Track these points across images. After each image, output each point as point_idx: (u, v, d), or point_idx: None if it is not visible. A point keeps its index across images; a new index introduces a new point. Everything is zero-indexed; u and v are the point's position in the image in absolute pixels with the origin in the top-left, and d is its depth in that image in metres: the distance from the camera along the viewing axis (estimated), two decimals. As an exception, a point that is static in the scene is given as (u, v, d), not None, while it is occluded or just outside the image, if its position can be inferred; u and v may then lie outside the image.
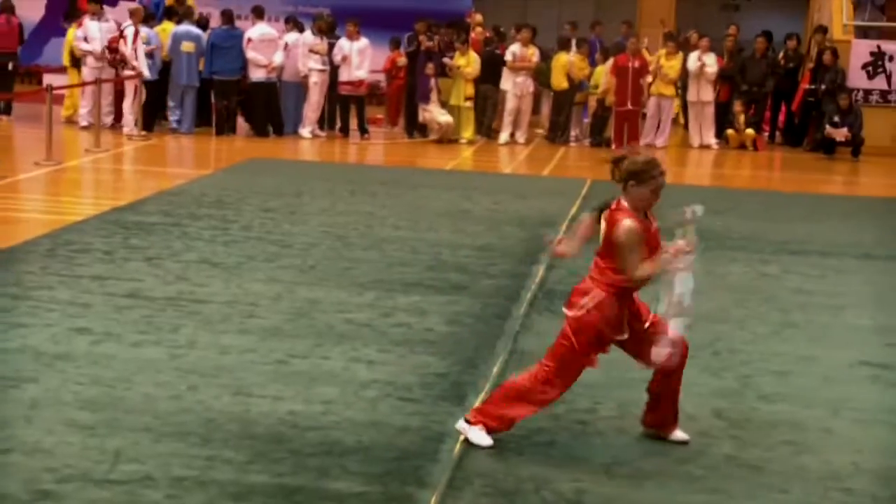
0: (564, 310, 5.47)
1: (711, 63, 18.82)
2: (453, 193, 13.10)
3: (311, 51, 18.05)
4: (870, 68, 18.93)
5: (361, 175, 14.68)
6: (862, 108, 18.36)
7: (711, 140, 19.15)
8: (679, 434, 5.68)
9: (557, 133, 19.06)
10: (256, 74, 17.95)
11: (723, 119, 19.27)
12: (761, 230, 11.33)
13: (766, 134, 20.23)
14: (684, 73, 18.95)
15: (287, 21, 19.00)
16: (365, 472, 5.15)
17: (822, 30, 19.58)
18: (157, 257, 9.16)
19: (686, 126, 20.04)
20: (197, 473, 5.04)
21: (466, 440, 5.50)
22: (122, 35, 17.22)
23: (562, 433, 5.73)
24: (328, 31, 18.34)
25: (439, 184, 13.96)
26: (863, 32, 19.58)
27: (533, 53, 18.73)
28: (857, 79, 18.90)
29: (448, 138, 18.30)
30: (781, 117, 20.27)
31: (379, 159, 17.44)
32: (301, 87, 18.28)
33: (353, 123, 18.60)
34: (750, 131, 18.88)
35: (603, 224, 5.40)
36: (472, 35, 19.28)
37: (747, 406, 6.23)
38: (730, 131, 19.01)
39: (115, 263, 8.91)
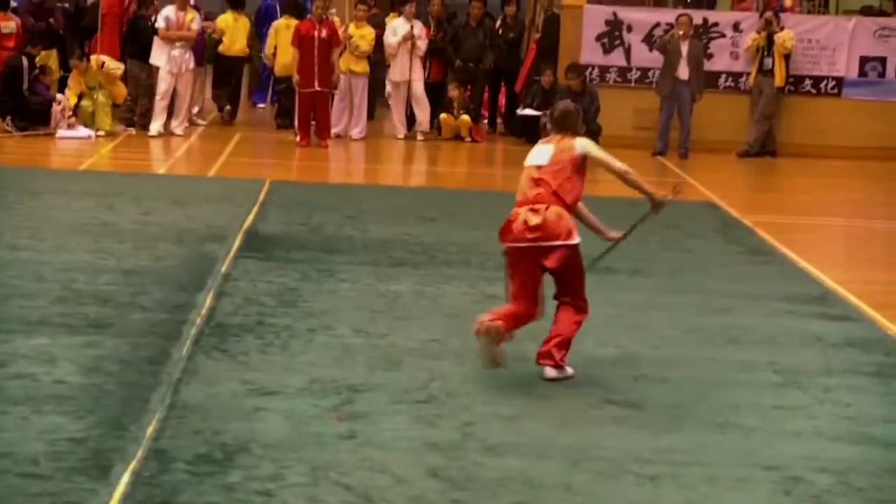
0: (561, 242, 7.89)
1: (420, 34, 19.17)
2: (90, 201, 12.82)
3: None
4: (605, 40, 19.59)
5: (-36, 179, 14.12)
6: (598, 90, 18.79)
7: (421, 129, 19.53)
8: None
9: (223, 110, 19.46)
10: None
11: (434, 103, 19.59)
12: (483, 241, 11.59)
13: (486, 121, 20.80)
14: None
15: None
16: (-26, 576, 4.92)
17: (548, -9, 20.26)
18: None
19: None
20: None
21: None
22: None
23: (238, 509, 5.68)
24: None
25: (71, 189, 13.61)
26: (597, -4, 20.20)
27: (192, 19, 18.55)
28: (591, 54, 19.53)
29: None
30: (502, 100, 20.87)
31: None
32: None
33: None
34: (466, 118, 19.34)
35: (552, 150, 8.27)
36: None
37: (470, 461, 6.36)
38: (443, 116, 19.39)
39: None
